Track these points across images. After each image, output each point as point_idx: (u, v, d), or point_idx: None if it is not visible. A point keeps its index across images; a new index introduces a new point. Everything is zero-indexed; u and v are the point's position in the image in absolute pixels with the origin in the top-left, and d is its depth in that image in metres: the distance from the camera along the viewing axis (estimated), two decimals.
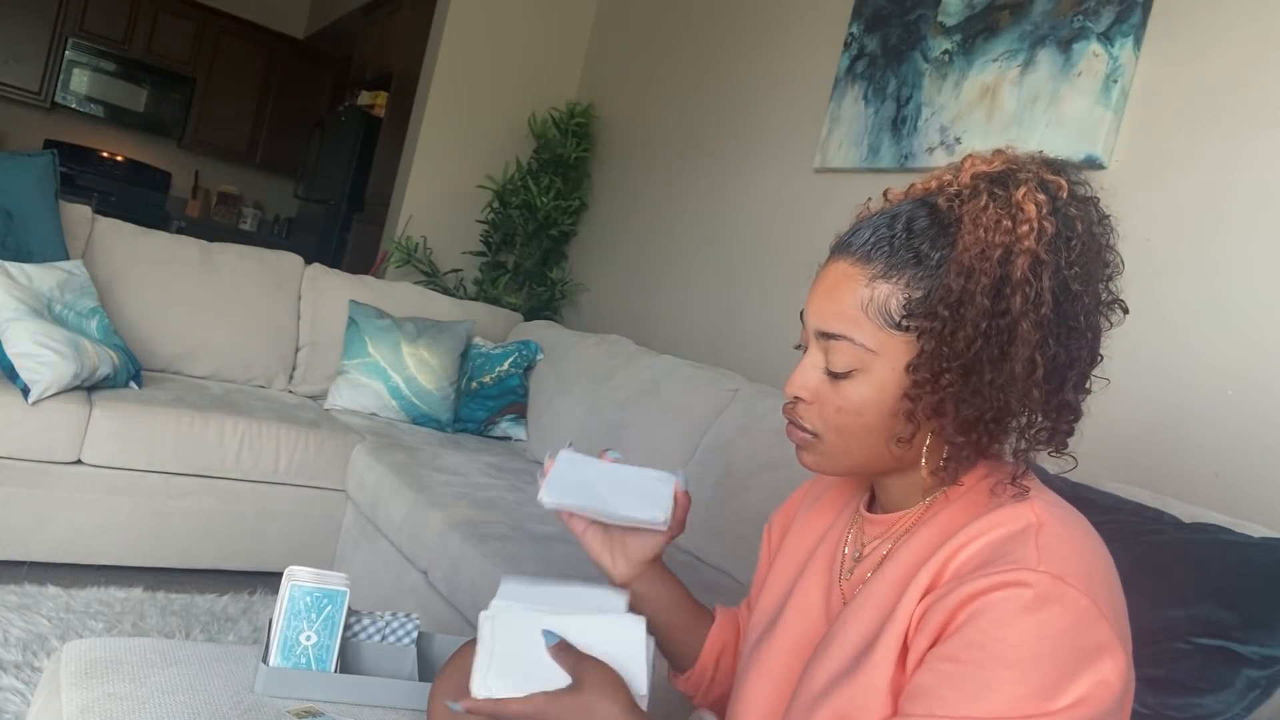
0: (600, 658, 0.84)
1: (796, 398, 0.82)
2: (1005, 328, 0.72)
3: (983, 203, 0.75)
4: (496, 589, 0.91)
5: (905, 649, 0.74)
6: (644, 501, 0.94)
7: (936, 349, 0.74)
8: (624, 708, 0.80)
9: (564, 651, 0.83)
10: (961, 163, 0.80)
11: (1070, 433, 0.78)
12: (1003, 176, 0.76)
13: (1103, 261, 0.77)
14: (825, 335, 0.80)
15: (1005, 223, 0.73)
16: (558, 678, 0.82)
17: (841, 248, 0.81)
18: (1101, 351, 0.78)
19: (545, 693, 0.80)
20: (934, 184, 0.81)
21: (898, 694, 0.73)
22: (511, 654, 0.83)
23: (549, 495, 0.94)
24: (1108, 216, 0.78)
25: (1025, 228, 0.73)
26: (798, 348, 0.85)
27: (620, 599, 0.94)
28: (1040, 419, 0.76)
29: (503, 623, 0.86)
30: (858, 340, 0.77)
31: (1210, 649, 1.06)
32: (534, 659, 0.83)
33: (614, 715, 0.79)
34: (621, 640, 0.87)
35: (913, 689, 0.70)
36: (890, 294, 0.76)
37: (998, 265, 0.72)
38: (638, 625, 0.89)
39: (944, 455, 0.78)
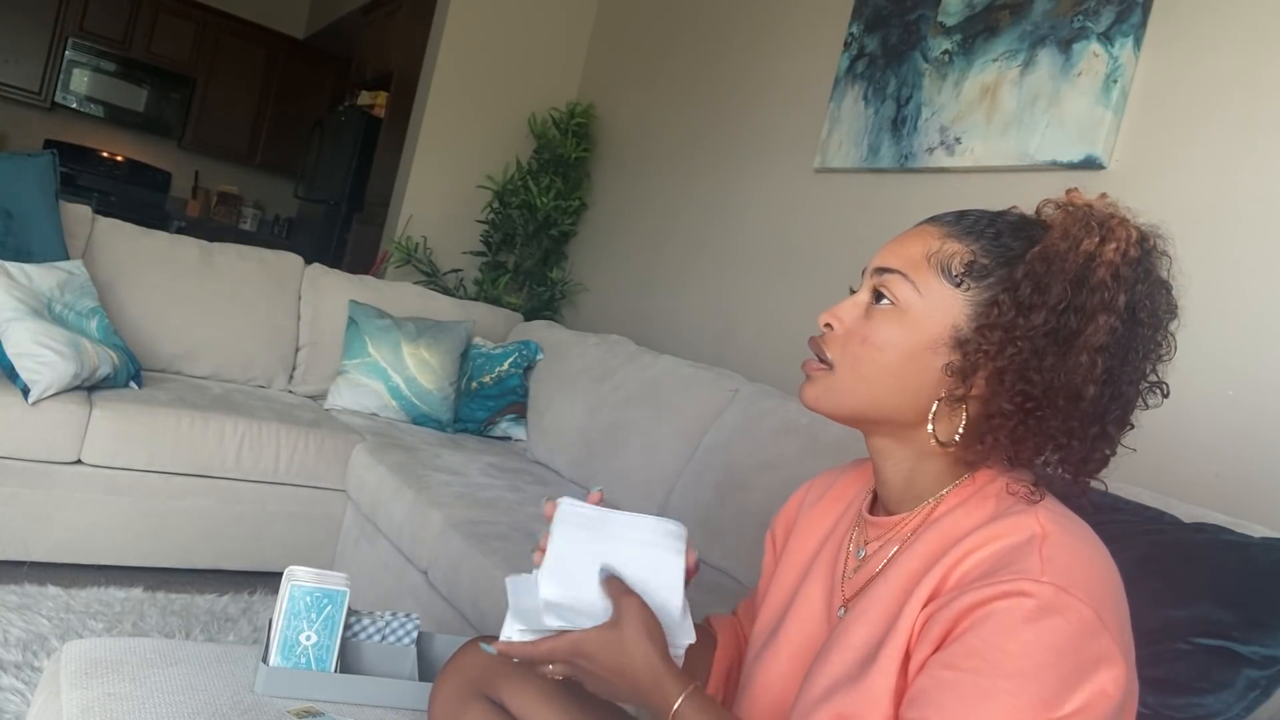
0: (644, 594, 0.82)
1: (828, 325, 0.84)
2: (1078, 318, 0.74)
3: (1077, 215, 0.78)
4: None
5: (908, 656, 0.74)
6: (651, 591, 0.85)
7: (1014, 320, 0.75)
8: (661, 654, 0.79)
9: (613, 581, 0.82)
10: (1067, 191, 0.83)
11: (1101, 465, 0.79)
12: (1100, 209, 0.79)
13: (1156, 342, 0.79)
14: (883, 270, 0.82)
15: (1095, 236, 0.76)
16: (595, 613, 0.81)
17: (933, 218, 0.85)
18: (1132, 420, 0.79)
19: (580, 630, 0.79)
20: (1041, 202, 0.85)
21: (900, 701, 0.73)
22: (562, 583, 0.82)
23: (550, 590, 0.84)
24: (1177, 306, 0.81)
25: (1113, 245, 0.75)
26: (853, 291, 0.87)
27: (678, 537, 0.87)
28: (1076, 442, 0.76)
29: (558, 547, 0.84)
30: (911, 277, 0.80)
31: (1210, 649, 1.05)
32: (576, 595, 0.82)
33: (649, 657, 0.78)
34: (661, 579, 0.84)
35: (912, 694, 0.70)
36: (957, 252, 0.80)
37: (1080, 266, 0.75)
38: (678, 563, 0.85)
39: (962, 425, 0.78)
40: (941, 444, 0.80)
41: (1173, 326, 0.80)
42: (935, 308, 0.79)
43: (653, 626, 0.80)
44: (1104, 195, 0.81)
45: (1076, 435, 0.76)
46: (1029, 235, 0.79)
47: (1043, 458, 0.78)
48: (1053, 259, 0.75)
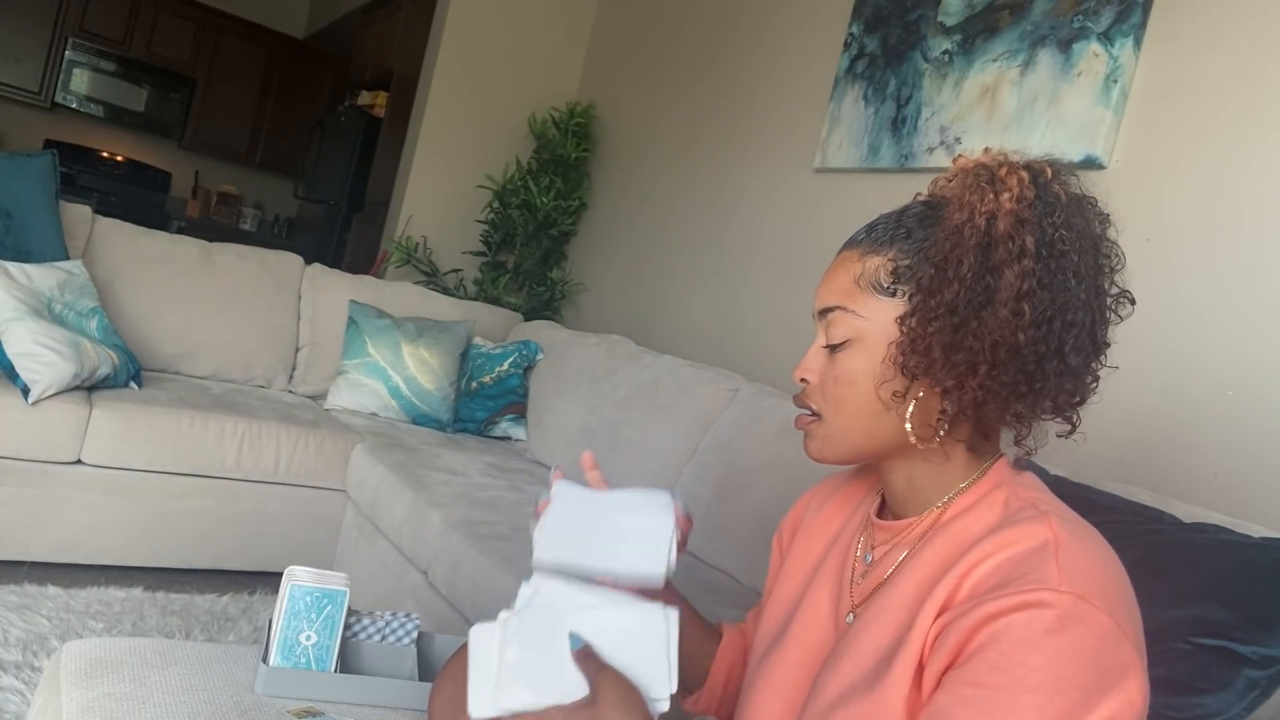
0: (622, 655, 0.80)
1: (803, 380, 0.85)
2: (990, 277, 0.74)
3: (969, 182, 0.79)
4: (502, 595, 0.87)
5: (921, 667, 0.73)
6: (641, 555, 0.89)
7: (924, 302, 0.76)
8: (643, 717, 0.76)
9: (585, 658, 0.80)
10: (954, 160, 0.84)
11: (1078, 400, 0.78)
12: (988, 165, 0.80)
13: (1100, 251, 0.78)
14: (824, 311, 0.84)
15: (989, 194, 0.77)
16: (574, 685, 0.78)
17: (847, 242, 0.86)
18: (1109, 339, 0.79)
19: (559, 706, 0.76)
20: (931, 183, 0.86)
21: (912, 712, 0.72)
22: (527, 659, 0.79)
23: (547, 553, 0.89)
24: (1107, 214, 0.80)
25: (1007, 194, 0.76)
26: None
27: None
28: (1039, 384, 0.75)
29: (521, 623, 0.82)
30: (849, 308, 0.81)
31: (1210, 649, 1.06)
32: (550, 663, 0.79)
33: None
34: (646, 637, 0.82)
35: (933, 711, 0.69)
36: (880, 265, 0.81)
37: (984, 230, 0.75)
38: (667, 621, 0.83)
39: (939, 410, 0.78)
40: (924, 440, 0.80)
41: (1111, 234, 0.79)
42: (882, 323, 0.80)
43: (631, 699, 0.77)
44: (987, 149, 0.82)
45: (1037, 378, 0.75)
46: (936, 219, 0.80)
47: (1014, 410, 0.77)
48: (955, 233, 0.76)
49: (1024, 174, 0.77)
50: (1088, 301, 0.76)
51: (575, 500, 0.94)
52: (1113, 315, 0.79)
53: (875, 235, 0.83)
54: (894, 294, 0.79)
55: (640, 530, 0.91)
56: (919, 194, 0.86)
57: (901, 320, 0.78)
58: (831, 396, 0.83)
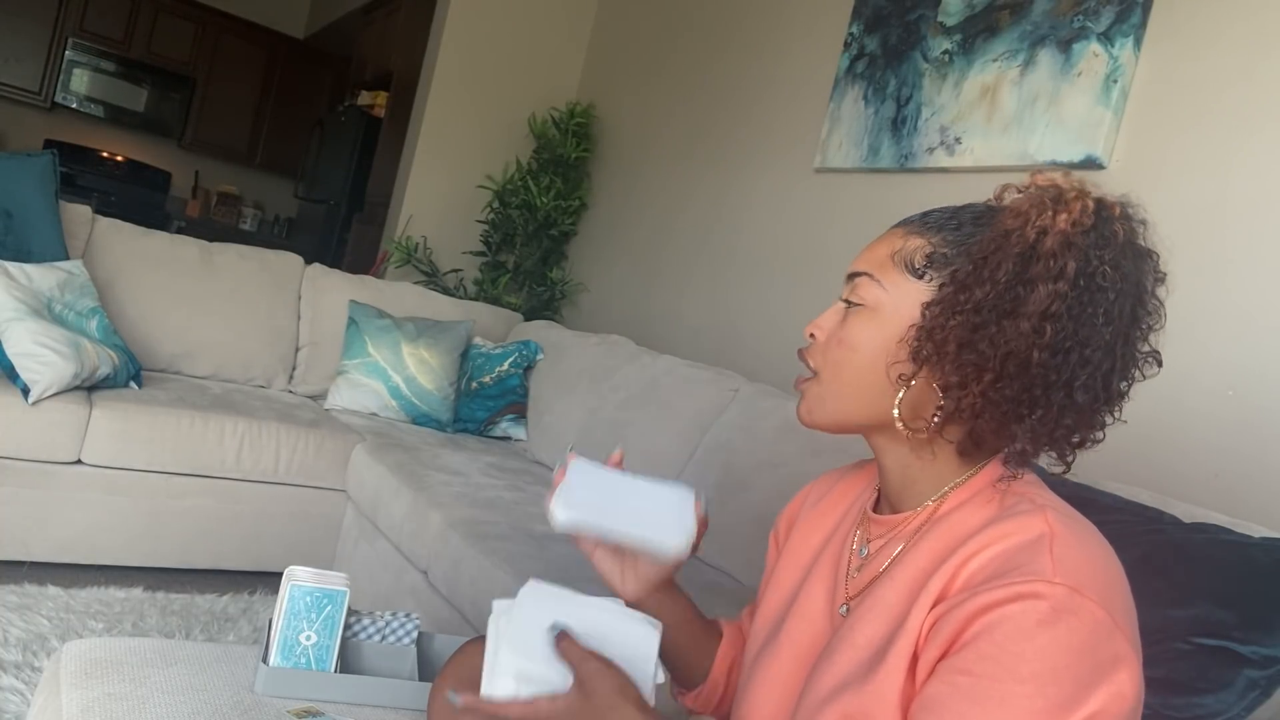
0: (608, 652, 0.81)
1: (811, 335, 0.87)
2: (1021, 288, 0.74)
3: (1034, 195, 0.78)
4: (503, 593, 0.87)
5: (915, 659, 0.73)
6: (664, 524, 0.90)
7: (954, 295, 0.76)
8: (638, 708, 0.77)
9: (567, 645, 0.80)
10: (1033, 173, 0.83)
11: (1075, 440, 0.78)
12: (1061, 186, 0.79)
13: (1143, 305, 0.77)
14: (854, 275, 0.85)
15: (1048, 211, 0.76)
16: (558, 676, 0.79)
17: (901, 220, 0.86)
18: (1126, 393, 0.78)
19: (548, 696, 0.77)
20: (1002, 187, 0.85)
21: (906, 704, 0.72)
22: (523, 647, 0.80)
23: (563, 513, 0.88)
24: (1164, 274, 0.78)
25: (1064, 215, 0.75)
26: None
27: (651, 631, 0.85)
28: (1040, 410, 0.75)
29: (517, 613, 0.82)
30: (876, 276, 0.82)
31: (1210, 649, 1.05)
32: (546, 655, 0.80)
33: (630, 717, 0.76)
34: (632, 643, 0.83)
35: (924, 700, 0.69)
36: (919, 246, 0.81)
37: (1030, 242, 0.75)
38: (651, 632, 0.84)
39: (937, 405, 0.78)
40: (912, 430, 0.80)
41: (1160, 293, 0.78)
42: (902, 302, 0.80)
43: (625, 685, 0.78)
44: (1067, 173, 0.81)
45: (1040, 404, 0.74)
46: (990, 221, 0.80)
47: (1010, 432, 0.76)
48: (1002, 237, 0.76)
49: (1090, 203, 0.76)
50: (1111, 346, 0.75)
51: (597, 472, 0.95)
52: (1136, 373, 0.78)
53: (928, 220, 0.83)
54: (921, 277, 0.80)
55: (663, 502, 0.92)
56: (994, 197, 0.85)
57: (926, 306, 0.78)
58: (831, 358, 0.84)
